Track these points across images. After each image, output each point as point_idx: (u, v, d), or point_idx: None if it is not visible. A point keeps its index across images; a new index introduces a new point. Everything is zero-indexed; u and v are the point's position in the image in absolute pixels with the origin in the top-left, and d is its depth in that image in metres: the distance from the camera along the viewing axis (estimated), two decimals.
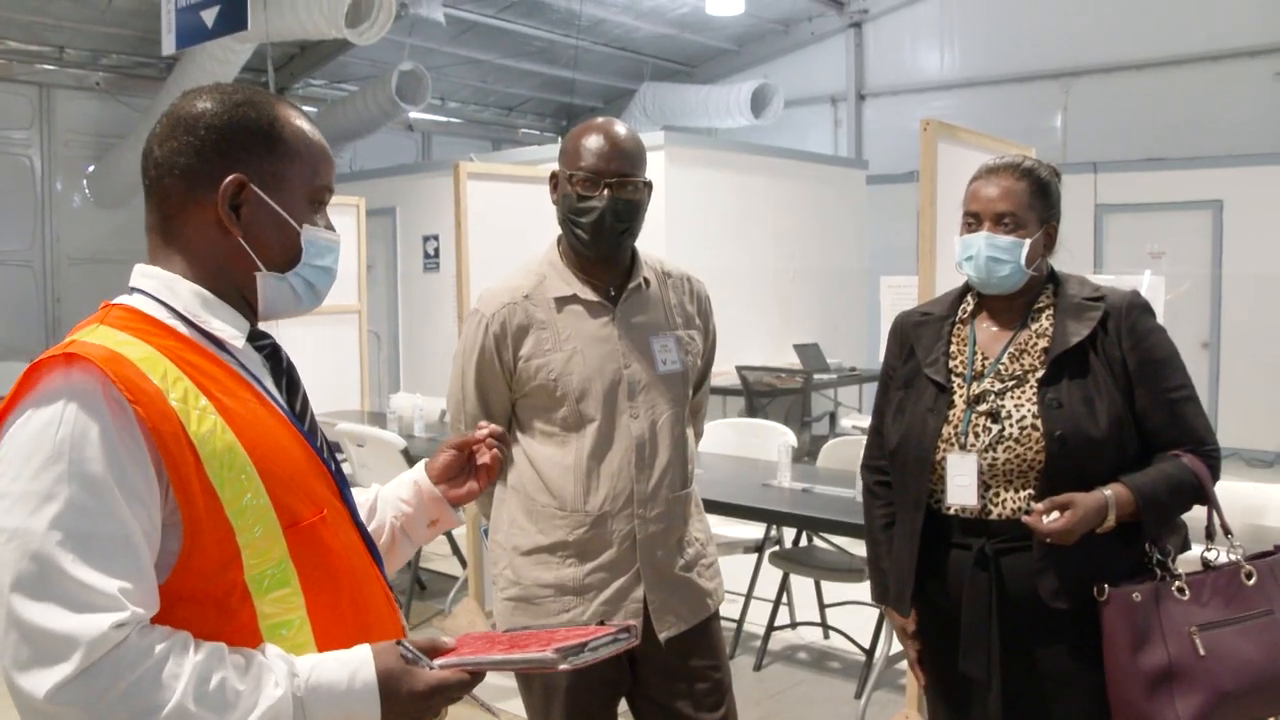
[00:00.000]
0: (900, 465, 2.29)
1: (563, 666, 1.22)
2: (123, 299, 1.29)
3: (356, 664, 1.20)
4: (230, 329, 1.30)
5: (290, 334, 1.47)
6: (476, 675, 1.25)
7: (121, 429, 1.13)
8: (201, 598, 1.17)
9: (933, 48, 11.99)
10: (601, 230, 2.27)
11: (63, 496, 1.10)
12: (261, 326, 1.39)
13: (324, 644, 1.25)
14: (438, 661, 1.24)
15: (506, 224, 4.89)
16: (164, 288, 1.28)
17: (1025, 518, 2.05)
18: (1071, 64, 10.88)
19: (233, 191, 1.29)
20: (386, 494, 1.61)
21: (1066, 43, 10.82)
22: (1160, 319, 2.24)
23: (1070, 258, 2.37)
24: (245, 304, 1.34)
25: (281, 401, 1.35)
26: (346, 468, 5.59)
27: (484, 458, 1.59)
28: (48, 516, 1.09)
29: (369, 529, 1.44)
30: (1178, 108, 10.15)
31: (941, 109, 11.30)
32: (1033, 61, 11.09)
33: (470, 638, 1.33)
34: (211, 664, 1.13)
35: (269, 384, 1.35)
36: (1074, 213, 9.71)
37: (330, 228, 1.40)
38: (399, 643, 1.24)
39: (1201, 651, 1.99)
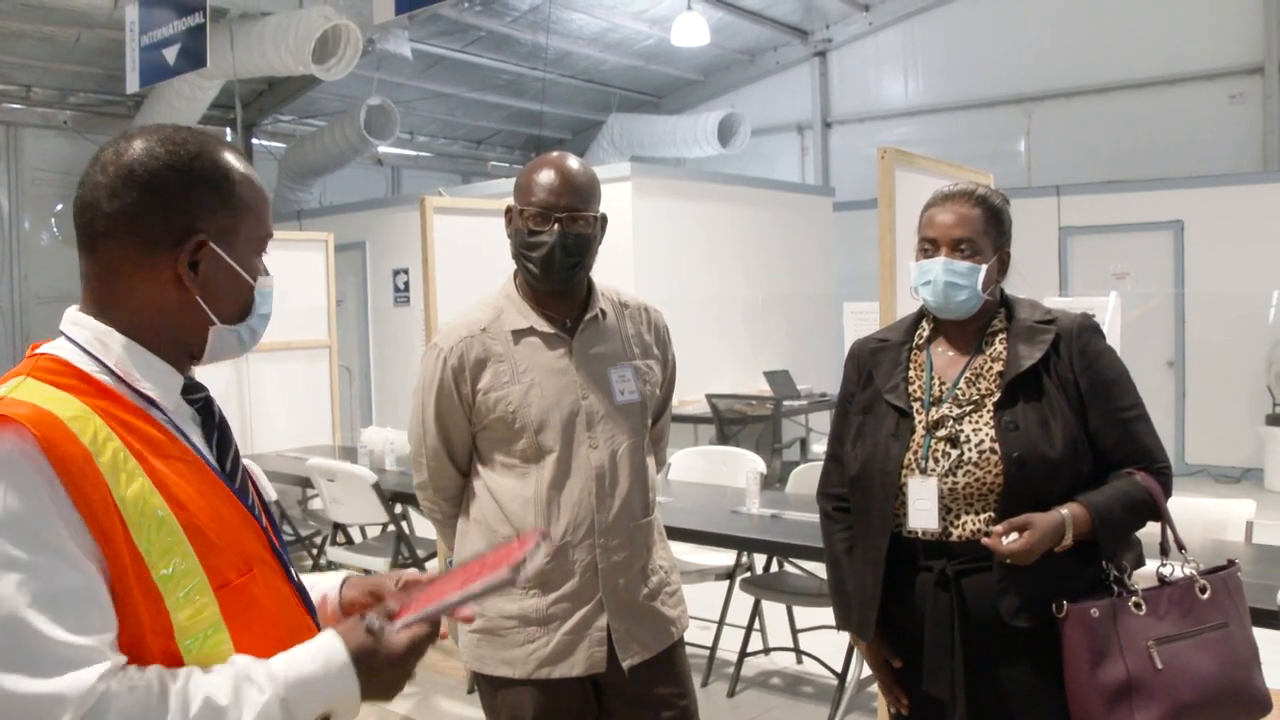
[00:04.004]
0: (863, 490, 2.30)
1: (519, 580, 1.28)
2: (50, 348, 1.25)
3: (328, 650, 1.21)
4: (161, 388, 1.27)
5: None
6: (437, 624, 1.28)
7: (56, 490, 1.10)
8: (134, 663, 1.14)
9: (897, 75, 12.14)
10: (552, 264, 2.29)
11: (20, 559, 1.07)
12: (198, 372, 1.36)
13: None
14: (398, 623, 1.26)
15: (475, 257, 4.91)
16: (95, 340, 1.25)
17: (985, 539, 2.07)
18: (1033, 89, 11.04)
19: (193, 250, 1.26)
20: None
21: (1028, 68, 10.99)
22: (1119, 339, 2.27)
23: (1023, 281, 2.41)
24: (184, 354, 1.32)
25: (211, 459, 1.32)
26: (317, 503, 5.58)
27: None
28: (12, 582, 1.06)
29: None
30: (1137, 131, 10.32)
31: (907, 135, 11.44)
32: (995, 87, 11.25)
33: (403, 595, 1.35)
34: (191, 688, 1.12)
35: (198, 441, 1.32)
36: (1038, 235, 9.77)
37: (267, 272, 1.38)
38: (362, 616, 1.25)
39: (1159, 665, 2.01)
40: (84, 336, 1.25)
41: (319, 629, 1.37)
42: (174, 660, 1.16)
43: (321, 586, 1.50)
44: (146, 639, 1.15)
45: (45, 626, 1.07)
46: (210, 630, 1.20)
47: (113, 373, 1.24)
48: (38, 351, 1.25)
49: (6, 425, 1.11)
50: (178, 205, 1.26)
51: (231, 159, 1.32)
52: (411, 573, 1.50)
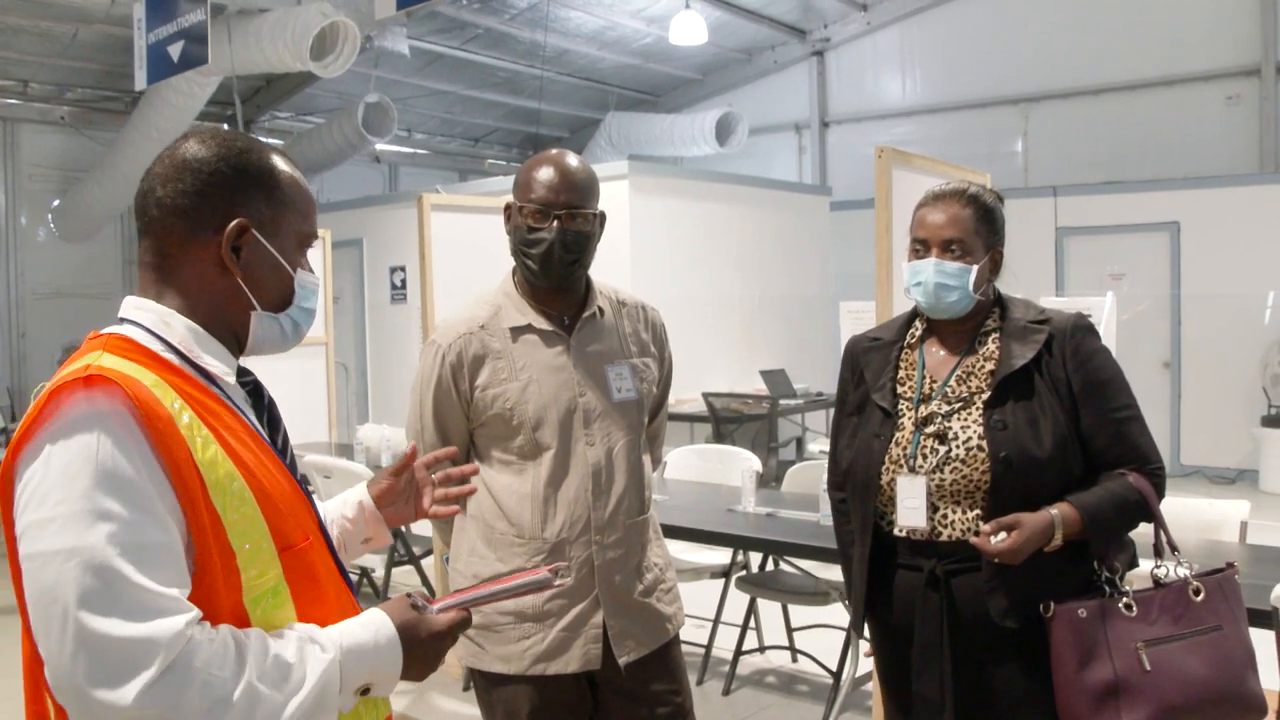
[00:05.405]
0: (851, 489, 2.32)
1: (558, 583, 1.46)
2: (114, 329, 1.32)
3: (377, 623, 1.32)
4: (222, 365, 1.36)
5: (257, 366, 1.50)
6: (471, 614, 1.41)
7: (147, 449, 1.18)
8: (205, 618, 1.22)
9: (894, 75, 12.15)
10: (551, 261, 2.30)
11: (114, 512, 1.14)
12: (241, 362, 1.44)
13: None
14: (436, 605, 1.38)
15: (472, 254, 4.92)
16: (159, 322, 1.33)
17: (973, 539, 2.08)
18: (1030, 90, 11.07)
19: (235, 234, 1.35)
20: (330, 509, 1.75)
21: (1025, 69, 11.01)
22: (1115, 340, 2.27)
23: (1017, 282, 2.42)
24: (234, 341, 1.40)
25: (266, 436, 1.41)
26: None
27: (435, 493, 1.79)
28: (104, 532, 1.13)
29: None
30: (1134, 132, 10.34)
31: (904, 135, 11.45)
32: (992, 87, 11.27)
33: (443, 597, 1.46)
34: (263, 644, 1.21)
35: (254, 419, 1.40)
36: (1035, 236, 9.77)
37: (311, 270, 1.47)
38: (408, 595, 1.38)
39: (1147, 666, 2.02)
40: (148, 319, 1.33)
41: (359, 606, 1.46)
42: (241, 618, 1.25)
43: (351, 499, 1.75)
44: (221, 595, 1.23)
45: (136, 576, 1.14)
46: (273, 591, 1.28)
47: (177, 351, 1.32)
48: (103, 333, 1.32)
49: (103, 385, 1.19)
50: (224, 192, 1.35)
51: (279, 160, 1.42)
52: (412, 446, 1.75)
